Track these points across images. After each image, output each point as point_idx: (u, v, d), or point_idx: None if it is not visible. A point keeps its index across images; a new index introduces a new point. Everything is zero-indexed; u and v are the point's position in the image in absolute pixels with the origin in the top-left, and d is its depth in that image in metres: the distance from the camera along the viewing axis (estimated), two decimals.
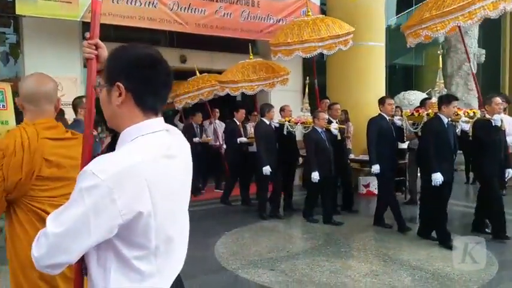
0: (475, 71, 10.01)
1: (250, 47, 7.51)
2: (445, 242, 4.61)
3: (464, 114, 4.99)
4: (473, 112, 5.04)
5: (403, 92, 8.58)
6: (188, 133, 7.90)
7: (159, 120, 1.21)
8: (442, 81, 5.65)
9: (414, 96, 8.23)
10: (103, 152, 3.28)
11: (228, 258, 4.41)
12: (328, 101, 7.16)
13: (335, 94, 8.18)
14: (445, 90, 5.82)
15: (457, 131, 4.85)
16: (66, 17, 6.94)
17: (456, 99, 4.88)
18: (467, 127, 4.85)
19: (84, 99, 3.60)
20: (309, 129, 5.97)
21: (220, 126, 8.39)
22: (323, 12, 9.69)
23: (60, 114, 6.26)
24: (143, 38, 9.01)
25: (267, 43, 9.25)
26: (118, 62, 1.19)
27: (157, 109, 1.21)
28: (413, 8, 12.93)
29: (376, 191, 7.57)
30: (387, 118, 5.46)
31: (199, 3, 7.89)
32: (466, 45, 5.70)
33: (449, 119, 4.73)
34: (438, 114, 4.73)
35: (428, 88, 12.13)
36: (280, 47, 6.65)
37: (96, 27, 1.36)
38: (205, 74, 8.14)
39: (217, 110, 8.58)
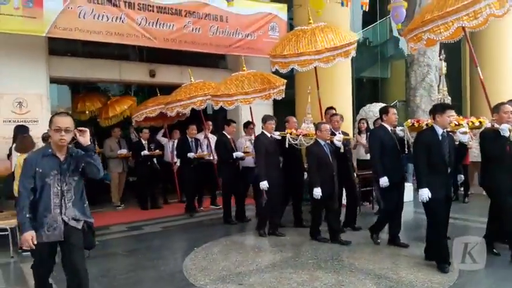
0: (437, 83, 10.41)
1: (243, 59, 7.15)
2: (441, 265, 4.29)
3: (468, 123, 4.61)
4: (480, 121, 4.65)
5: (368, 105, 8.83)
6: (182, 148, 7.63)
7: None
8: (446, 87, 5.38)
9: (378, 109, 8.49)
10: None
11: (196, 274, 4.39)
12: (334, 111, 6.83)
13: (303, 107, 8.30)
14: (449, 98, 5.50)
15: (456, 142, 4.49)
16: (31, 32, 6.85)
17: (452, 108, 4.53)
18: (466, 138, 4.41)
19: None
20: (311, 142, 5.63)
21: (213, 139, 8.04)
22: (291, 27, 9.92)
23: (22, 131, 6.18)
24: (112, 53, 8.98)
25: (237, 57, 9.40)
26: None
27: None
28: (377, 22, 13.39)
29: (344, 202, 7.71)
30: (389, 129, 5.19)
31: (167, 18, 7.94)
32: (472, 50, 5.32)
33: (445, 129, 4.38)
34: (433, 124, 4.44)
35: (394, 100, 12.54)
36: (277, 58, 6.34)
37: None
38: (200, 81, 7.77)
39: (210, 123, 8.30)
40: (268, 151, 5.76)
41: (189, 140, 7.68)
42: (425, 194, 4.24)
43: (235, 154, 6.81)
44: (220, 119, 9.45)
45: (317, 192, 5.25)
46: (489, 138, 4.53)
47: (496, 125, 4.50)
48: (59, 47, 8.18)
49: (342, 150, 5.73)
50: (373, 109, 8.89)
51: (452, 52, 13.42)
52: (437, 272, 4.19)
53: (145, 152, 8.13)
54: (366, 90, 13.97)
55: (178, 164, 8.23)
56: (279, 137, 6.02)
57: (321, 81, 7.47)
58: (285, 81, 6.65)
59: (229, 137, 7.00)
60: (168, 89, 8.72)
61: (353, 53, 6.21)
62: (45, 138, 6.54)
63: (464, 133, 4.40)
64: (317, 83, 6.74)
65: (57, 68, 7.93)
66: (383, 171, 5.01)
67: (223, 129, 7.17)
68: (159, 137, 8.98)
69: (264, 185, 5.65)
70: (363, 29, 13.78)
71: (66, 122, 3.00)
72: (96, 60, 8.56)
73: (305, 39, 6.04)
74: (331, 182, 5.38)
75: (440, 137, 4.31)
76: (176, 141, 8.30)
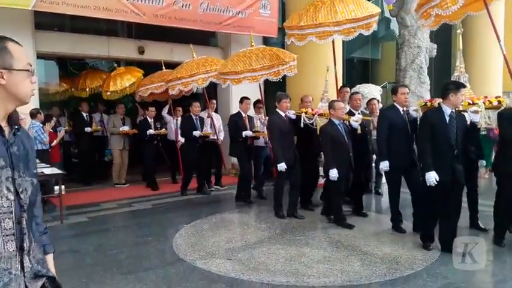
0: (427, 65, 10.46)
1: (251, 35, 6.73)
2: (426, 243, 4.34)
3: (485, 103, 4.36)
4: (499, 100, 4.33)
5: (358, 85, 8.83)
6: (187, 125, 7.34)
7: None
8: (463, 65, 5.18)
9: (368, 89, 8.51)
10: None
11: (186, 250, 4.46)
12: (348, 89, 6.49)
13: (294, 87, 8.31)
14: (466, 75, 5.30)
15: (468, 122, 4.26)
16: (16, 5, 6.67)
17: (464, 86, 4.24)
18: (477, 118, 4.20)
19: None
20: (326, 122, 5.34)
21: (217, 118, 7.90)
22: (282, 4, 9.82)
23: None
24: (100, 28, 8.81)
25: (227, 35, 9.31)
26: None
27: None
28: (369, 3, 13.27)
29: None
30: (401, 109, 4.83)
31: None
32: (493, 23, 4.72)
33: (454, 109, 4.10)
34: (440, 104, 4.16)
35: (384, 81, 12.58)
36: (293, 30, 5.98)
37: None
38: (202, 57, 7.41)
39: (214, 101, 8.05)
40: (282, 131, 5.57)
41: (194, 117, 7.35)
42: (432, 177, 4.02)
43: (244, 133, 6.66)
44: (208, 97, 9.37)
45: (333, 173, 5.01)
46: (508, 118, 4.14)
47: None
48: (46, 22, 7.99)
49: (359, 131, 5.43)
50: (362, 90, 8.89)
51: (443, 34, 13.46)
52: (420, 249, 4.31)
53: (151, 131, 7.89)
54: (356, 71, 13.97)
55: (182, 141, 7.73)
56: (294, 116, 5.84)
57: (310, 61, 7.35)
58: (296, 56, 6.29)
59: (243, 114, 6.85)
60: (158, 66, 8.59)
61: (375, 26, 5.84)
62: (34, 114, 6.47)
63: (476, 112, 4.22)
64: (334, 59, 6.36)
65: (44, 43, 7.77)
66: (385, 155, 4.75)
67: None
68: (164, 113, 8.57)
69: (281, 167, 5.47)
70: None
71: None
72: (84, 35, 8.39)
73: (324, 10, 5.67)
74: (347, 163, 5.15)
75: (447, 118, 4.05)
76: (180, 119, 8.06)
